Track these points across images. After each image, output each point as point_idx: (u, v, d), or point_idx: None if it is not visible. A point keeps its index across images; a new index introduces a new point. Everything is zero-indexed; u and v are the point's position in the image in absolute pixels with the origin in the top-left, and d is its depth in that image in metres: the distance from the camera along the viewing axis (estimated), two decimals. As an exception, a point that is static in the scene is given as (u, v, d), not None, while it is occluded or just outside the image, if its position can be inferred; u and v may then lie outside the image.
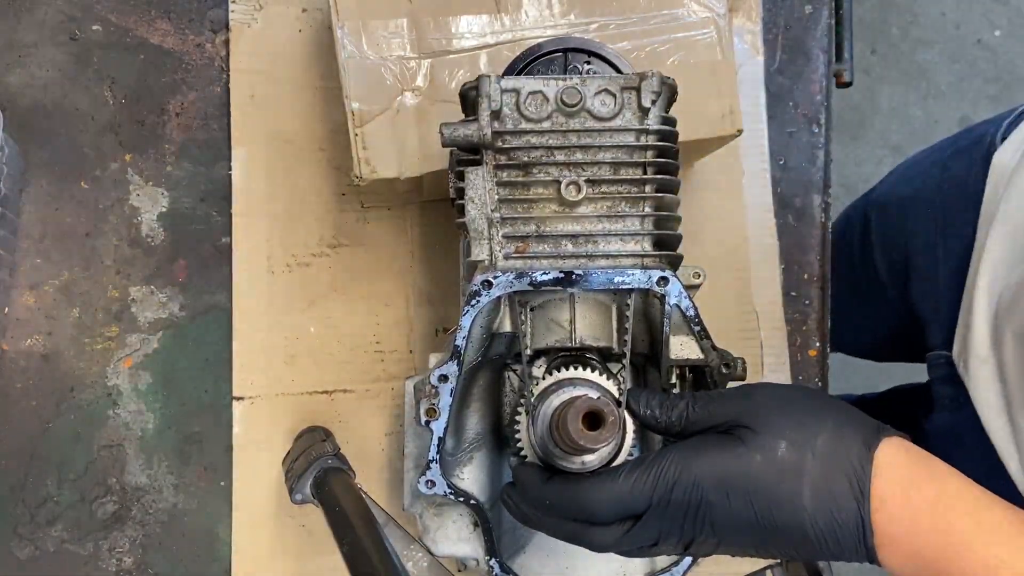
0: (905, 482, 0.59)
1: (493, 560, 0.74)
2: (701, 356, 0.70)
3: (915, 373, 1.31)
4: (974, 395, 0.94)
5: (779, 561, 0.73)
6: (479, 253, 0.71)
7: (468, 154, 0.74)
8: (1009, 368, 0.90)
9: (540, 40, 0.82)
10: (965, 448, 0.98)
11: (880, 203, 1.21)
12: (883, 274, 1.17)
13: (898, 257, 1.13)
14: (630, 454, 0.66)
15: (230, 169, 0.97)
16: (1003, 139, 1.00)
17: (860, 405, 1.33)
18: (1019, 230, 0.93)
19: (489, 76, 0.71)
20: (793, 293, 1.01)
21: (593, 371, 0.67)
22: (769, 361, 0.99)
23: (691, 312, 0.69)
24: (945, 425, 1.04)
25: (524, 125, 0.72)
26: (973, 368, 0.94)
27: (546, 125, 0.72)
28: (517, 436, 0.69)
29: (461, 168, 0.73)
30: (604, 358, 0.73)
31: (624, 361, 0.70)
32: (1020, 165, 0.95)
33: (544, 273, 0.68)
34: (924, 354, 1.07)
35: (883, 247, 1.18)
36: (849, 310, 1.19)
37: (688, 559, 0.73)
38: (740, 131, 0.89)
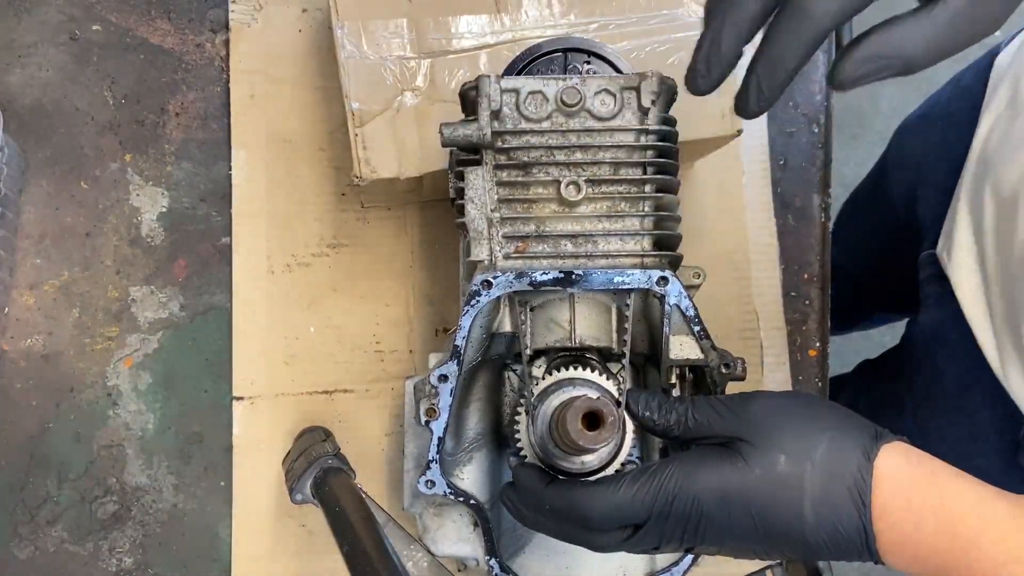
0: (906, 488, 0.59)
1: (493, 560, 0.74)
2: (701, 356, 0.70)
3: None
4: (956, 285, 0.96)
5: (779, 561, 0.73)
6: (479, 253, 0.71)
7: (468, 154, 0.74)
8: (988, 250, 0.91)
9: (540, 40, 0.82)
10: (949, 345, 1.00)
11: (902, 125, 1.25)
12: (893, 190, 1.20)
13: (910, 175, 1.15)
14: (629, 455, 0.66)
15: (230, 169, 0.97)
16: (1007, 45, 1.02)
17: (841, 384, 1.32)
18: (1005, 111, 0.94)
19: (489, 76, 0.71)
20: (793, 293, 1.01)
21: (593, 371, 0.67)
22: (769, 361, 0.99)
23: (691, 312, 0.69)
24: (930, 323, 1.05)
25: (524, 125, 0.72)
26: (956, 257, 0.96)
27: (546, 125, 0.72)
28: (517, 436, 0.69)
29: (461, 168, 0.73)
30: (604, 358, 0.73)
31: (624, 361, 0.70)
32: (1015, 60, 0.96)
33: (544, 273, 0.68)
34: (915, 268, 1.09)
35: (897, 165, 1.20)
36: (854, 223, 1.23)
37: (688, 559, 0.73)
38: (740, 131, 0.89)
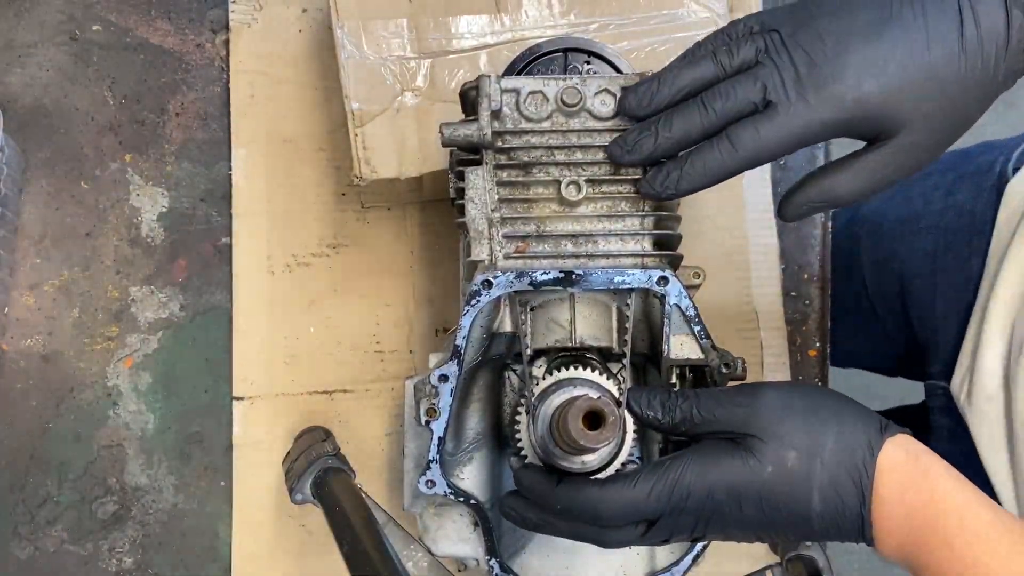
0: (903, 483, 0.62)
1: (493, 560, 0.74)
2: (701, 356, 0.70)
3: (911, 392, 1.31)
4: (975, 430, 0.94)
5: (779, 561, 0.73)
6: (479, 253, 0.71)
7: (468, 154, 0.74)
8: (1019, 406, 0.90)
9: (540, 40, 0.82)
10: None
11: (872, 220, 1.19)
12: (873, 296, 1.16)
13: (890, 280, 1.12)
14: (630, 454, 0.66)
15: (230, 169, 0.97)
16: (1015, 169, 0.99)
17: None
18: None
19: (489, 76, 0.71)
20: (793, 293, 1.01)
21: (593, 371, 0.67)
22: (769, 361, 0.99)
23: (691, 312, 0.69)
24: (941, 454, 1.02)
25: (524, 125, 0.71)
26: (977, 404, 0.94)
27: (546, 125, 0.72)
28: (517, 436, 0.69)
29: (461, 168, 0.73)
30: (604, 358, 0.73)
31: (624, 361, 0.70)
32: None
33: (544, 273, 0.68)
34: (924, 377, 1.07)
35: (874, 268, 1.16)
36: (848, 330, 1.18)
37: (688, 559, 0.73)
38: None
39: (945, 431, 1.03)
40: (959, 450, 0.97)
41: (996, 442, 0.93)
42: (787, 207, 0.70)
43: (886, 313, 1.14)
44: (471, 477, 0.77)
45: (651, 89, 0.68)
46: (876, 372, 1.35)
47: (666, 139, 0.67)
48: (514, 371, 0.79)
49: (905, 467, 0.62)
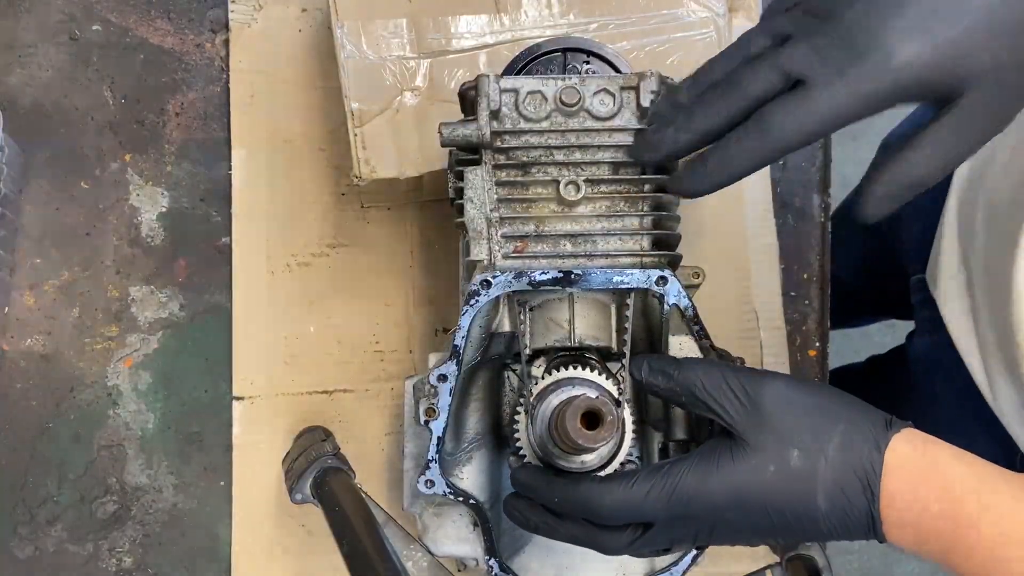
0: (914, 477, 0.60)
1: (493, 560, 0.74)
2: (700, 356, 0.70)
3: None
4: (943, 309, 0.94)
5: (779, 561, 0.73)
6: (478, 253, 0.71)
7: (467, 154, 0.74)
8: (977, 273, 0.89)
9: (539, 40, 0.82)
10: (943, 371, 0.99)
11: (884, 143, 1.21)
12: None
13: None
14: (629, 454, 0.66)
15: (230, 169, 0.97)
16: None
17: (848, 376, 1.31)
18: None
19: (488, 76, 0.71)
20: (793, 293, 1.01)
21: (592, 371, 0.67)
22: (769, 361, 0.99)
23: (690, 312, 0.69)
24: (924, 348, 1.04)
25: (523, 125, 0.72)
26: (943, 285, 0.94)
27: (545, 125, 0.72)
28: (516, 436, 0.69)
29: (460, 168, 0.73)
30: (603, 357, 0.73)
31: (624, 361, 0.70)
32: None
33: (543, 273, 0.68)
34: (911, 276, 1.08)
35: None
36: (844, 234, 1.19)
37: (688, 559, 0.73)
38: (740, 131, 0.88)
39: (927, 323, 1.02)
40: (939, 340, 0.97)
41: (962, 320, 0.91)
42: (868, 205, 0.62)
43: (887, 228, 1.16)
44: (470, 477, 0.77)
45: (676, 98, 0.65)
46: (852, 287, 1.37)
47: (688, 132, 0.62)
48: (513, 371, 0.80)
49: (914, 461, 0.60)
